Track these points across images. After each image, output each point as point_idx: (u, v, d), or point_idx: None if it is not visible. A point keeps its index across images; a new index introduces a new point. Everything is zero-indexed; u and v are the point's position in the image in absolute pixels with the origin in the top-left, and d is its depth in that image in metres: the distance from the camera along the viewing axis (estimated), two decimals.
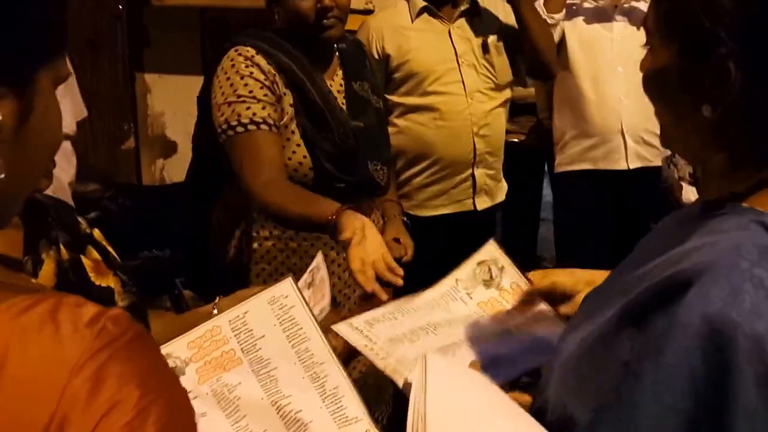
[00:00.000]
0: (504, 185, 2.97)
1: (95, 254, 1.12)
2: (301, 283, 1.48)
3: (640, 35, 2.76)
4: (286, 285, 1.25)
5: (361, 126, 2.10)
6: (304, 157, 2.00)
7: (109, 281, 1.12)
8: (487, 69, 2.79)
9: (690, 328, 0.75)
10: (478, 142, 2.76)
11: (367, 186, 2.14)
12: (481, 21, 2.81)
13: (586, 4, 3.16)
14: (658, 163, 3.27)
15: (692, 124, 0.90)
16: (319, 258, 1.61)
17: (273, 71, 1.97)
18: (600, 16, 3.13)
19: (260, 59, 1.97)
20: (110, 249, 1.17)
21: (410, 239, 2.33)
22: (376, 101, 2.23)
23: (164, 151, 4.14)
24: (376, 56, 2.68)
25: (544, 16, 2.96)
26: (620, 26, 3.12)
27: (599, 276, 1.20)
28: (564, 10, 3.03)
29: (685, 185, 3.31)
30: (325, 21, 1.98)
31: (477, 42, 2.78)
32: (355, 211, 1.73)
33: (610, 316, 0.87)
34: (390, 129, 2.66)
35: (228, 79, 1.96)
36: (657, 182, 3.34)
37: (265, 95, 1.95)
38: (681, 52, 0.88)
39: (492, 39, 2.82)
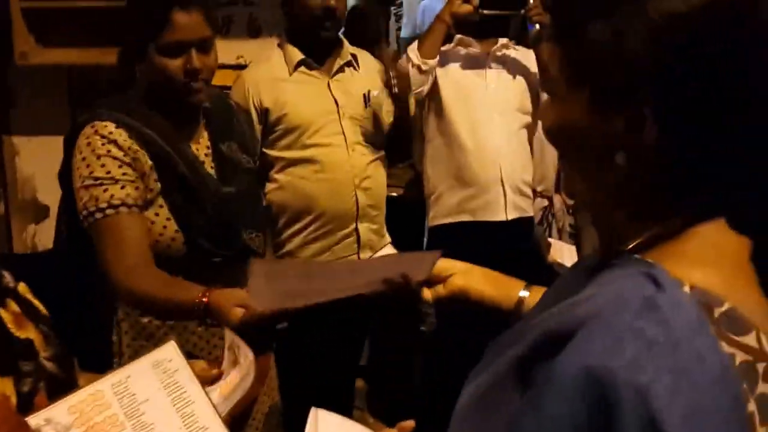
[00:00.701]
0: (387, 239, 2.95)
1: (15, 307, 1.14)
2: (224, 364, 1.46)
3: (514, 83, 2.88)
4: (170, 348, 1.25)
5: (232, 192, 1.99)
6: (176, 232, 1.89)
7: (29, 333, 1.13)
8: (367, 122, 2.79)
9: (570, 380, 0.73)
10: (360, 195, 2.74)
11: (244, 257, 2.00)
12: (360, 74, 2.82)
13: (458, 51, 3.18)
14: (531, 213, 3.29)
15: (601, 174, 0.86)
16: (229, 334, 1.56)
17: (134, 146, 1.85)
18: (473, 63, 3.15)
19: (119, 134, 1.85)
20: (36, 302, 1.20)
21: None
22: (246, 161, 2.11)
23: (36, 216, 3.96)
24: (254, 110, 2.63)
25: (418, 62, 2.98)
26: (494, 74, 3.14)
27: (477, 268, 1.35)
28: (437, 57, 3.03)
29: (554, 242, 3.37)
30: (193, 84, 1.88)
31: (357, 94, 2.78)
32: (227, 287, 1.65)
33: (501, 367, 0.85)
34: (270, 185, 2.63)
35: (84, 159, 1.83)
36: (530, 232, 3.34)
37: (124, 174, 1.83)
38: (592, 99, 0.84)
39: (373, 92, 2.83)
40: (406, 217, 3.32)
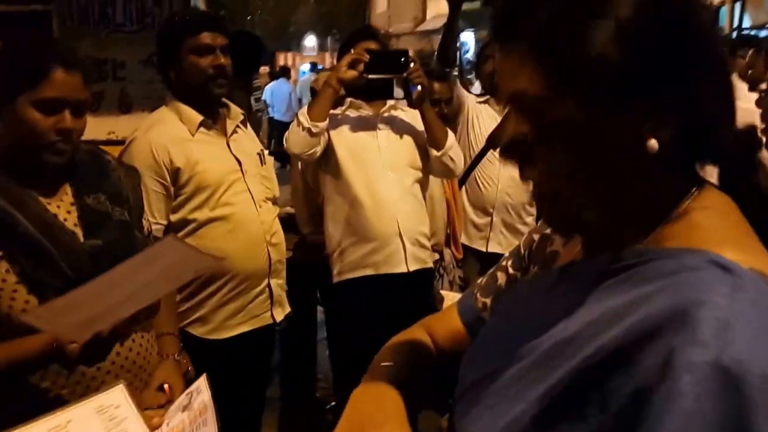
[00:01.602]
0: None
1: None
2: (173, 406, 1.38)
3: (403, 141, 3.00)
4: (117, 393, 1.16)
5: (99, 244, 1.86)
6: (26, 302, 1.74)
7: None
8: (266, 179, 2.82)
9: (694, 376, 0.68)
10: (271, 251, 2.73)
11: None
12: (249, 134, 2.88)
13: (348, 114, 3.28)
14: (431, 264, 3.39)
15: (605, 167, 0.83)
16: (201, 381, 1.50)
17: None
18: (364, 124, 3.26)
19: None
20: None
21: (180, 380, 1.98)
22: (120, 213, 1.97)
23: None
24: (165, 171, 2.56)
25: (308, 125, 3.04)
26: (384, 134, 3.26)
27: None
28: (327, 120, 3.11)
29: (446, 294, 3.47)
30: (61, 145, 1.80)
31: (253, 154, 2.81)
32: None
33: (544, 393, 0.80)
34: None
35: None
36: (431, 283, 3.44)
37: None
38: (586, 101, 0.80)
39: (264, 151, 2.89)
40: (296, 280, 3.26)
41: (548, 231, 1.10)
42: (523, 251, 1.14)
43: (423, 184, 3.35)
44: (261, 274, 2.72)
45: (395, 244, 3.19)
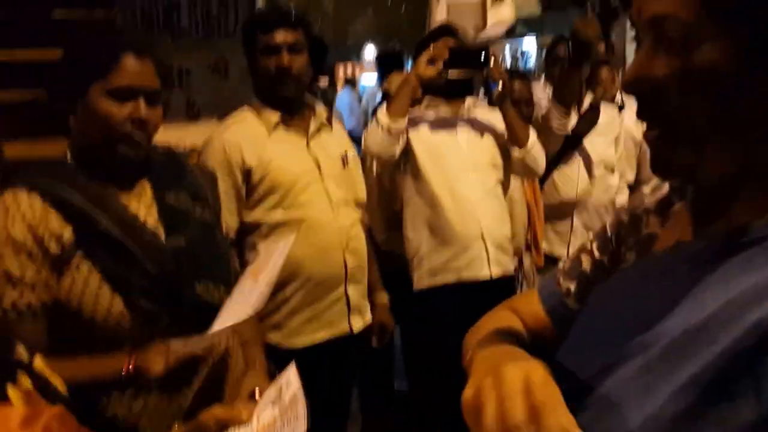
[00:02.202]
0: (382, 298, 2.84)
1: (27, 383, 0.97)
2: (263, 400, 1.26)
3: (484, 141, 2.87)
4: None
5: (182, 244, 1.80)
6: (113, 296, 1.68)
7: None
8: (347, 182, 2.70)
9: None
10: (348, 256, 2.60)
11: (199, 314, 1.73)
12: (334, 135, 2.76)
13: (427, 113, 3.18)
14: (512, 271, 3.25)
15: (743, 122, 0.74)
16: (291, 372, 1.37)
17: (45, 211, 1.66)
18: (443, 124, 3.15)
19: (28, 202, 1.66)
20: (53, 379, 1.04)
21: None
22: (201, 212, 1.91)
23: None
24: (237, 170, 2.49)
25: (387, 124, 2.95)
26: (464, 133, 3.15)
27: None
28: (406, 119, 3.00)
29: None
30: (136, 135, 1.73)
31: (335, 155, 2.70)
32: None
33: (684, 384, 0.71)
34: (251, 254, 2.47)
35: None
36: (513, 292, 3.29)
37: (38, 271, 1.65)
38: (752, 42, 0.71)
39: (349, 152, 2.76)
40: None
41: (639, 211, 1.00)
42: (610, 233, 1.05)
43: (505, 185, 3.23)
44: (336, 280, 2.59)
45: (477, 248, 3.07)
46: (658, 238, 0.95)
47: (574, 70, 3.36)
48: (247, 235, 2.54)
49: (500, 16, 30.76)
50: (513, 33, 25.65)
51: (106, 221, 1.70)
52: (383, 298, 2.88)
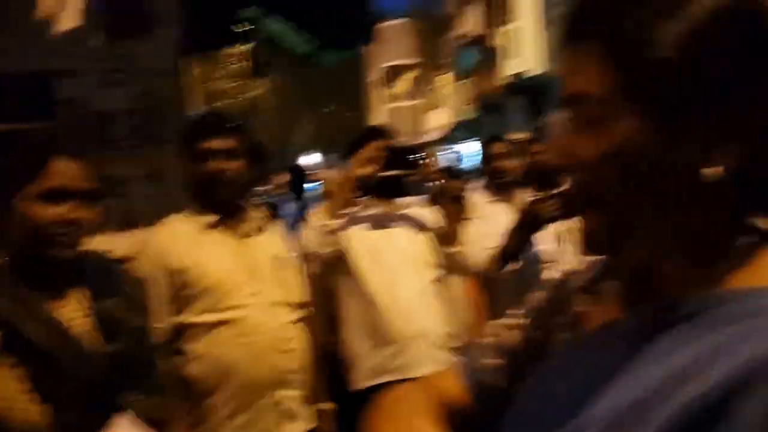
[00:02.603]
0: (325, 406, 2.76)
1: None
2: None
3: (419, 239, 2.87)
4: None
5: (116, 352, 1.77)
6: (32, 407, 1.63)
7: None
8: (284, 283, 2.66)
9: None
10: (282, 359, 2.53)
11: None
12: (266, 237, 2.74)
13: (364, 212, 3.19)
14: None
15: (661, 193, 0.73)
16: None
17: None
18: (378, 223, 3.16)
19: None
20: None
21: None
22: (134, 321, 1.90)
23: None
24: (169, 271, 2.45)
25: (323, 223, 2.94)
26: (399, 232, 3.16)
27: None
28: (341, 219, 3.02)
29: None
30: (64, 236, 1.71)
31: (270, 257, 2.67)
32: None
33: None
34: (179, 359, 2.40)
35: None
36: None
37: None
38: (649, 111, 0.71)
39: (286, 255, 2.75)
40: None
41: (569, 288, 0.98)
42: (536, 309, 1.02)
43: (442, 282, 3.22)
44: (270, 385, 2.51)
45: (416, 346, 3.02)
46: (590, 316, 0.93)
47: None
48: (179, 337, 2.46)
49: (438, 121, 31.53)
50: (452, 137, 26.33)
51: (31, 328, 1.66)
52: (326, 405, 2.80)
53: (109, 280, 1.90)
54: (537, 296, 1.04)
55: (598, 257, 0.91)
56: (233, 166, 2.59)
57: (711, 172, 0.70)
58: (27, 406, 1.63)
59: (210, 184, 2.57)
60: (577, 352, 0.87)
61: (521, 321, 1.03)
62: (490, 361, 1.02)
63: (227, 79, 20.88)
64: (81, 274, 1.82)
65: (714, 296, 0.71)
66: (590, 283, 0.95)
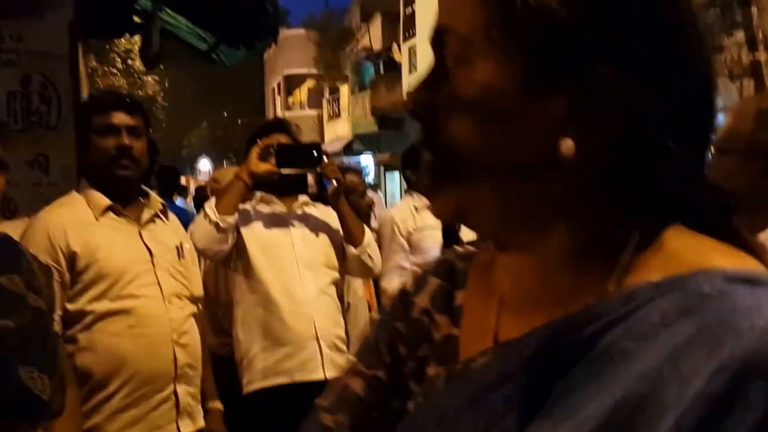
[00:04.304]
0: (215, 405, 2.69)
1: None
2: None
3: (319, 240, 2.82)
4: None
5: (10, 326, 1.72)
6: None
7: None
8: (182, 275, 2.57)
9: None
10: (178, 352, 2.44)
11: (22, 402, 1.68)
12: (169, 226, 2.66)
13: (260, 209, 3.11)
14: None
15: (543, 181, 0.64)
16: None
17: None
18: (277, 221, 3.10)
19: None
20: None
21: None
22: (34, 300, 1.84)
23: None
24: (60, 254, 2.32)
25: (215, 219, 2.86)
26: (298, 231, 3.10)
27: None
28: (236, 214, 2.93)
29: None
30: None
31: (170, 246, 2.58)
32: None
33: None
34: (71, 347, 2.28)
35: None
36: None
37: None
38: (530, 68, 0.62)
39: (186, 246, 2.65)
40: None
41: (416, 314, 0.81)
42: (382, 345, 0.83)
43: (338, 284, 3.18)
44: (164, 378, 2.42)
45: (312, 348, 2.97)
46: (461, 338, 0.76)
47: None
48: (71, 325, 2.35)
49: (338, 133, 31.56)
50: (350, 149, 26.41)
51: None
52: (216, 404, 2.73)
53: (11, 258, 1.86)
54: (374, 329, 0.86)
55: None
56: (139, 144, 2.51)
57: (566, 145, 0.61)
58: None
59: (113, 161, 2.48)
60: (465, 391, 0.69)
61: (359, 365, 0.84)
62: (333, 419, 0.83)
63: (123, 75, 20.26)
64: None
65: (639, 293, 0.60)
66: (440, 300, 0.80)
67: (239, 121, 35.61)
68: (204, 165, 38.35)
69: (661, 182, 0.63)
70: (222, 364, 3.03)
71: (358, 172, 3.86)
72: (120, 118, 2.49)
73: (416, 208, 3.79)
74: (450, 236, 3.52)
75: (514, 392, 0.63)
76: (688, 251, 0.63)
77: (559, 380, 0.60)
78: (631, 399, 0.55)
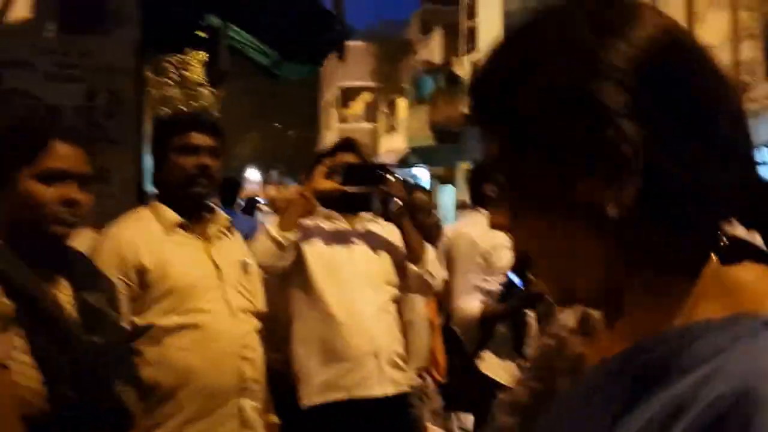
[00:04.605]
0: (273, 419, 2.68)
1: None
2: None
3: (380, 257, 2.83)
4: None
5: (100, 342, 1.80)
6: (40, 382, 1.66)
7: None
8: (247, 290, 2.60)
9: None
10: (244, 366, 2.47)
11: (115, 415, 1.79)
12: (234, 242, 2.70)
13: (322, 226, 3.13)
14: (407, 387, 3.15)
15: (591, 244, 0.74)
16: None
17: None
18: (338, 238, 3.11)
19: None
20: None
21: None
22: (115, 316, 1.95)
23: None
24: (131, 270, 2.36)
25: (276, 236, 2.89)
26: (359, 248, 3.11)
27: None
28: (297, 231, 2.96)
29: (431, 428, 3.23)
30: (67, 216, 1.77)
31: (236, 262, 2.62)
32: None
33: None
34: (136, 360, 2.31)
35: None
36: (407, 409, 3.19)
37: None
38: (549, 158, 0.73)
39: (250, 261, 2.69)
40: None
41: (564, 333, 1.01)
42: (541, 360, 1.07)
43: (398, 301, 3.20)
44: (230, 392, 2.45)
45: (371, 365, 2.98)
46: (586, 357, 0.92)
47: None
48: (137, 338, 2.37)
49: (392, 145, 31.59)
50: (405, 162, 26.41)
51: (46, 300, 1.71)
52: (273, 417, 2.75)
53: (92, 275, 1.95)
54: (538, 347, 1.08)
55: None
56: (215, 164, 2.57)
57: (611, 210, 0.70)
58: (32, 377, 1.66)
59: (191, 179, 2.53)
60: (573, 398, 0.82)
61: (527, 376, 1.08)
62: (507, 421, 1.07)
63: (178, 86, 20.63)
64: (65, 265, 1.86)
65: (682, 333, 0.68)
66: (582, 322, 0.96)
67: (289, 133, 35.90)
68: (252, 175, 38.76)
69: (707, 219, 0.72)
70: (277, 379, 3.03)
71: (427, 191, 3.83)
72: (200, 138, 2.55)
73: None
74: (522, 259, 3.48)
75: (602, 398, 0.72)
76: (748, 287, 0.70)
77: (625, 395, 0.69)
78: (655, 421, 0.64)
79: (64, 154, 1.77)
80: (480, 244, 3.63)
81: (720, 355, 0.63)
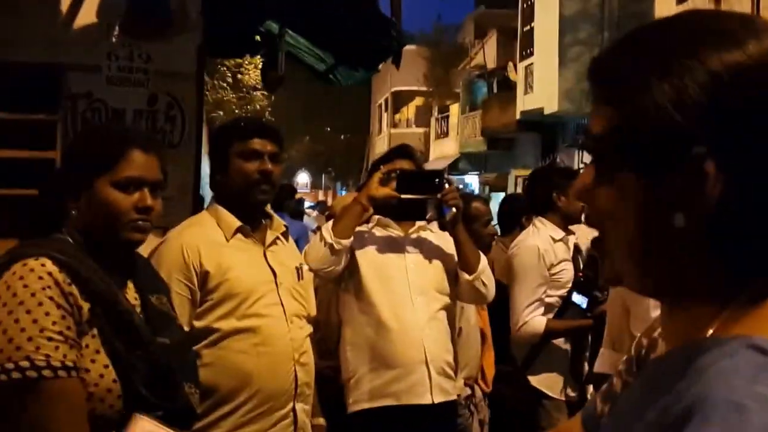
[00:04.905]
0: (321, 422, 2.73)
1: None
2: None
3: (432, 265, 2.84)
4: None
5: (167, 343, 1.86)
6: (114, 382, 1.72)
7: None
8: (301, 295, 2.65)
9: None
10: (299, 370, 2.51)
11: (184, 414, 1.87)
12: (290, 247, 2.74)
13: (375, 232, 3.16)
14: (455, 396, 3.17)
15: (663, 247, 0.80)
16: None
17: (72, 287, 1.70)
18: (392, 245, 3.13)
19: (57, 273, 1.69)
20: None
21: None
22: (176, 317, 2.04)
23: None
24: (193, 274, 2.42)
25: (331, 240, 2.92)
26: (412, 256, 3.13)
27: None
28: (352, 237, 2.98)
29: None
30: (141, 222, 1.84)
31: (291, 267, 2.66)
32: None
33: None
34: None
35: (22, 304, 1.64)
36: (455, 418, 3.21)
37: (69, 328, 1.67)
38: (641, 165, 0.79)
39: (305, 267, 2.74)
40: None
41: (656, 334, 1.13)
42: (634, 355, 1.19)
43: (450, 310, 3.20)
44: (285, 396, 2.50)
45: (420, 372, 3.00)
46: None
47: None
48: (200, 341, 2.43)
49: (444, 151, 31.43)
50: (456, 168, 26.30)
51: (122, 305, 1.77)
52: (321, 420, 2.80)
53: (153, 278, 2.04)
54: (634, 344, 1.19)
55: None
56: (277, 170, 2.62)
57: (678, 220, 0.76)
58: (107, 376, 1.72)
59: (254, 185, 2.57)
60: (635, 388, 0.91)
61: (622, 367, 1.19)
62: (601, 407, 1.15)
63: (229, 88, 20.80)
64: (134, 269, 1.94)
65: (699, 345, 0.75)
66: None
67: (341, 137, 35.99)
68: (302, 178, 38.95)
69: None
70: (325, 383, 3.06)
71: (485, 200, 3.83)
72: (263, 144, 2.59)
73: (553, 239, 3.70)
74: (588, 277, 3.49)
75: (639, 396, 0.82)
76: None
77: (651, 395, 0.77)
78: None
79: (140, 162, 1.84)
80: (547, 258, 3.62)
81: (710, 368, 0.70)
